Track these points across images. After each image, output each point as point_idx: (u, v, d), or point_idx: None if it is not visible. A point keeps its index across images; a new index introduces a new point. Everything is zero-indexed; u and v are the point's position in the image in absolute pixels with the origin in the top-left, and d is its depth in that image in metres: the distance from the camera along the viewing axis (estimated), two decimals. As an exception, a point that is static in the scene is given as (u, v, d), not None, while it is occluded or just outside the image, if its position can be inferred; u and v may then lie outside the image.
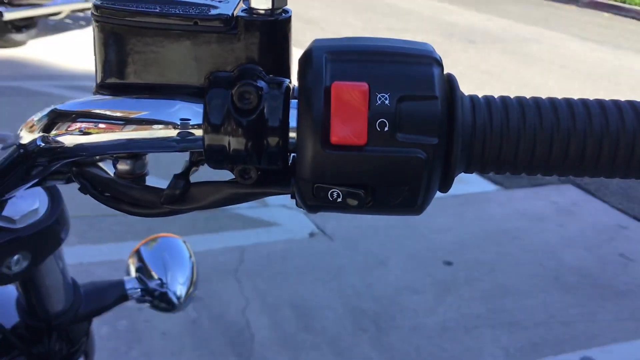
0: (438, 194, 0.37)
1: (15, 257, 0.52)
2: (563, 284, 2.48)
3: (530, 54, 6.27)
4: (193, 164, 0.41)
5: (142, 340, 1.99)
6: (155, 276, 0.74)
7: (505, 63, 5.88)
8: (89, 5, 5.79)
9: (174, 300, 0.73)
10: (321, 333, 2.10)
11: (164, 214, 0.42)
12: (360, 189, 0.34)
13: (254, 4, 0.36)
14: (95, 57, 0.38)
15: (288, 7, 0.38)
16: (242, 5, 0.37)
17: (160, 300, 0.74)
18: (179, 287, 0.74)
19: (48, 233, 0.55)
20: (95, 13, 0.37)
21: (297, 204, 0.37)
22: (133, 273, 0.75)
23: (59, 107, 0.39)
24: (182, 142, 0.37)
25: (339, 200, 0.35)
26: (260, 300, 2.23)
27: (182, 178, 0.40)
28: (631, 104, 0.36)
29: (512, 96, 0.36)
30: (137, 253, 0.77)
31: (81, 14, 6.28)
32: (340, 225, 2.81)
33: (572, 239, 2.85)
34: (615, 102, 0.36)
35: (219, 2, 0.37)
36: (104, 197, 0.43)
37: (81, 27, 6.24)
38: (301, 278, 2.40)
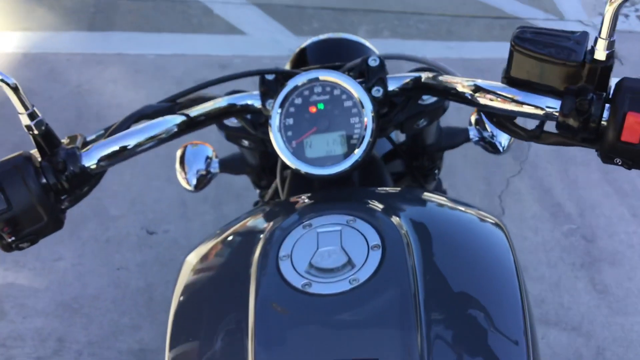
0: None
1: (421, 120, 0.90)
2: None
3: None
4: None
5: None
6: (488, 129, 1.09)
7: None
8: None
9: (500, 148, 1.08)
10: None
11: None
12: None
13: (597, 57, 0.61)
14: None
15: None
16: (589, 55, 0.61)
17: (490, 146, 1.09)
18: (503, 139, 1.08)
19: (438, 109, 0.91)
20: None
21: (602, 160, 0.64)
22: (474, 124, 1.10)
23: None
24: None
25: (623, 165, 0.62)
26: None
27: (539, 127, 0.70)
28: None
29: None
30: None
31: None
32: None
33: None
34: None
35: (577, 44, 0.63)
36: None
37: None
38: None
